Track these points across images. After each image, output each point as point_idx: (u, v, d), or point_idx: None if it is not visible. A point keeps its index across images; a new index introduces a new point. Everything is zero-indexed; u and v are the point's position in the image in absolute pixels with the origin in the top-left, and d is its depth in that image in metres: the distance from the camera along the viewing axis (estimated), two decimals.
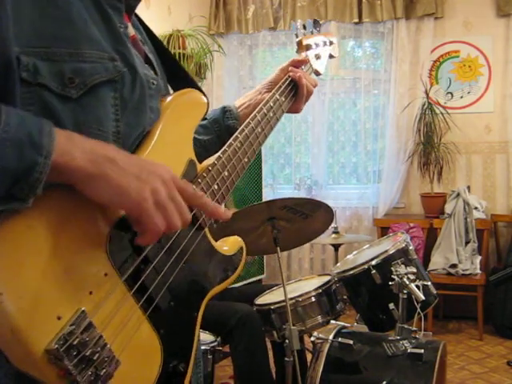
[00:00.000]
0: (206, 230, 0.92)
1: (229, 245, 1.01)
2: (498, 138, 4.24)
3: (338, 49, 1.52)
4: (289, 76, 1.23)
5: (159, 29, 3.80)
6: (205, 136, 1.21)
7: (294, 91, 1.23)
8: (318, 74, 1.39)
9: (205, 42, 4.00)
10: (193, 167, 0.90)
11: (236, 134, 1.01)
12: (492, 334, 3.82)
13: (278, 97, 1.16)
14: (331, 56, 1.48)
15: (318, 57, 1.39)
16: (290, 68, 1.26)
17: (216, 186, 0.91)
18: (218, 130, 1.21)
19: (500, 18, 4.17)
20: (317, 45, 1.39)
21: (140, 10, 0.98)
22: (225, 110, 1.24)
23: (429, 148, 4.18)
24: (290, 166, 4.75)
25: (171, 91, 0.99)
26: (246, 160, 1.00)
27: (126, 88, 0.79)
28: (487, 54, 4.23)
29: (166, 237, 0.80)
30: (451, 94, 4.33)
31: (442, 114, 4.19)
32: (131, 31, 0.89)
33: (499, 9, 4.14)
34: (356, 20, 4.34)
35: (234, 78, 4.71)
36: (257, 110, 1.10)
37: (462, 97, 4.30)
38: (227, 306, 2.41)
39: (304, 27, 1.38)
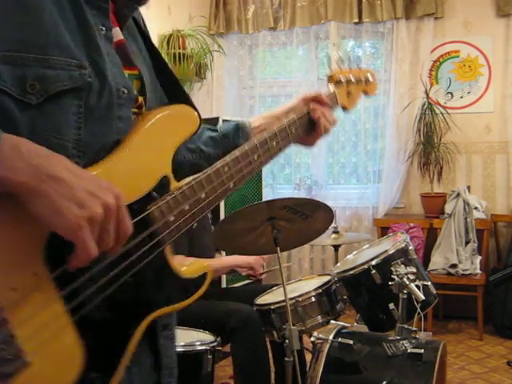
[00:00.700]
0: (167, 247, 0.86)
1: (193, 267, 0.93)
2: (498, 138, 4.24)
3: (376, 87, 1.44)
4: (308, 112, 1.19)
5: (159, 29, 3.80)
6: (211, 149, 1.16)
7: (307, 125, 1.18)
8: (345, 108, 1.32)
9: (205, 42, 4.00)
10: (165, 184, 0.85)
11: (226, 156, 0.95)
12: (492, 334, 3.82)
13: (286, 126, 1.11)
14: (366, 93, 1.41)
15: (348, 93, 1.33)
16: (311, 105, 1.20)
17: (187, 207, 0.86)
18: (225, 146, 1.15)
19: (500, 17, 4.17)
20: (348, 81, 1.33)
21: (140, 10, 0.97)
22: (238, 127, 1.19)
23: (429, 148, 4.18)
24: (289, 166, 4.74)
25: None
26: (231, 185, 0.94)
27: (92, 96, 0.78)
28: (487, 54, 4.23)
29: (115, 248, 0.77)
30: (451, 94, 4.33)
31: (441, 114, 4.19)
32: (118, 35, 0.87)
33: (499, 9, 4.14)
34: (356, 20, 4.34)
35: (234, 78, 4.71)
36: (258, 135, 1.05)
37: (462, 97, 4.30)
38: (227, 306, 2.41)
39: (341, 60, 1.32)
